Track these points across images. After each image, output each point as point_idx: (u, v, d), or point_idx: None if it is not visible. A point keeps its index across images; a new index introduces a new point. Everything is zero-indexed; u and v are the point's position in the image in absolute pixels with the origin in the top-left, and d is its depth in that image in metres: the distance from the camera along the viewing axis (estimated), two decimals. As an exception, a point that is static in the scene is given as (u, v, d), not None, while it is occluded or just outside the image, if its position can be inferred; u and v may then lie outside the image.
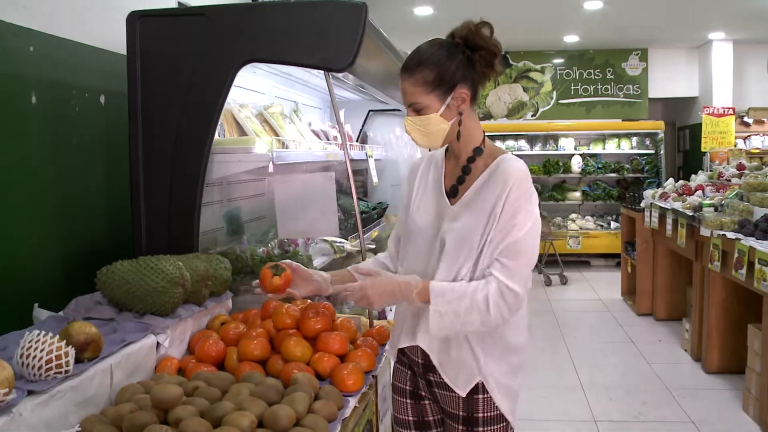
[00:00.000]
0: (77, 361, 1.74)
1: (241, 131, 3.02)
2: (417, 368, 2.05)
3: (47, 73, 2.64)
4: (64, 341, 1.64)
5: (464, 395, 1.93)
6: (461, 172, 1.98)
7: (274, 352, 2.19)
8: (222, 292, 2.52)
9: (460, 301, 1.83)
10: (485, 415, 1.93)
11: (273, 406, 1.67)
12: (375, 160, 4.99)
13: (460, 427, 1.96)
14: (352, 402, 1.98)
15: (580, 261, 10.44)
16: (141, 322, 2.11)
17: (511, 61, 11.33)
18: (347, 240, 4.22)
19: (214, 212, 3.01)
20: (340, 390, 2.02)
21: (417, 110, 1.90)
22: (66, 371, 1.64)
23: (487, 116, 11.41)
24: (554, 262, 9.15)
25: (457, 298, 1.83)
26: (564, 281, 9.01)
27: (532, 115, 11.44)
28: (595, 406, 4.74)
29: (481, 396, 1.93)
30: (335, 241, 3.90)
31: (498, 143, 8.88)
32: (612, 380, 5.31)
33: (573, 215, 10.68)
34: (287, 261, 2.09)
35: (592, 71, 11.31)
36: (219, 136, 2.98)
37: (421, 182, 2.12)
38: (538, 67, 11.38)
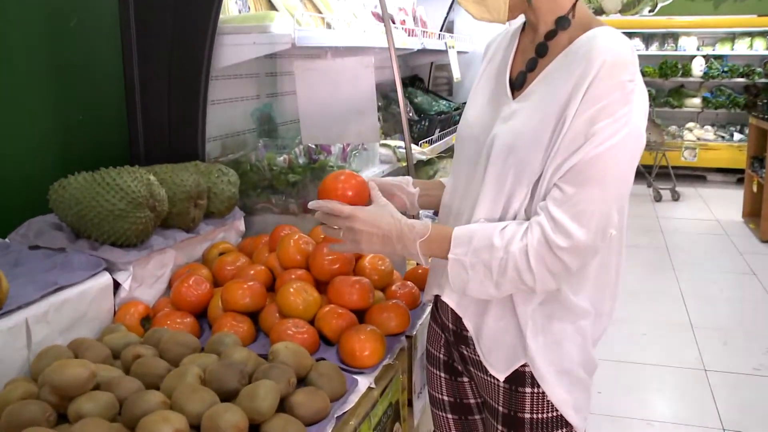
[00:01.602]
0: (-39, 317, 1.23)
1: (271, 7, 2.39)
2: (448, 335, 1.45)
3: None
4: None
5: (503, 380, 1.31)
6: (535, 52, 1.30)
7: (273, 300, 1.63)
8: (225, 212, 1.96)
9: (492, 251, 1.19)
10: (535, 416, 1.30)
11: (221, 404, 1.11)
12: (458, 52, 4.27)
13: (500, 427, 1.35)
14: (363, 384, 1.39)
15: (695, 175, 9.40)
16: (95, 255, 1.58)
17: (628, -52, 10.00)
18: (418, 146, 3.58)
19: (234, 111, 2.43)
20: (351, 364, 1.44)
21: None
22: None
23: (599, 12, 10.10)
24: (666, 176, 8.26)
25: (487, 247, 1.19)
26: (676, 197, 8.11)
27: (649, 11, 9.96)
28: (706, 351, 4.01)
29: (529, 390, 1.30)
30: (399, 147, 3.25)
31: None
32: (728, 320, 4.52)
33: (690, 124, 9.55)
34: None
35: (723, -42, 9.84)
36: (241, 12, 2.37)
37: (488, 68, 1.45)
38: (660, -46, 10.01)
